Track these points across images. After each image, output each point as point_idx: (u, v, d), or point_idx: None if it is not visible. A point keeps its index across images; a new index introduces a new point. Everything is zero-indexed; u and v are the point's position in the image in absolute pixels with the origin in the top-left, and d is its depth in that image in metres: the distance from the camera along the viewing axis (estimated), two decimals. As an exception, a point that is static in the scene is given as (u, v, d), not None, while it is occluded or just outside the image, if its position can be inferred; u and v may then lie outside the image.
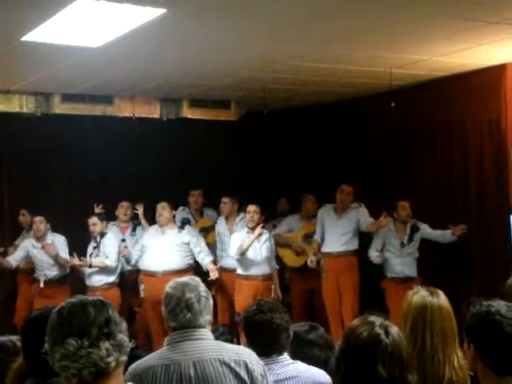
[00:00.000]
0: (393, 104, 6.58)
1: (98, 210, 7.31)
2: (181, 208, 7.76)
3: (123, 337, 1.95)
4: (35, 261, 7.09)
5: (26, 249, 7.08)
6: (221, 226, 7.41)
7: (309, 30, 4.92)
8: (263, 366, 2.73)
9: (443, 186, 7.12)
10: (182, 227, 6.99)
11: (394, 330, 2.21)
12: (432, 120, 7.12)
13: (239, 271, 6.74)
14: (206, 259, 6.88)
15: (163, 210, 6.93)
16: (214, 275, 6.70)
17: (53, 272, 7.05)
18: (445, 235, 6.75)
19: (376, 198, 7.35)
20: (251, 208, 6.70)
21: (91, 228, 6.98)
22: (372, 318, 2.24)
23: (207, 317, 2.78)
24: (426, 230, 6.88)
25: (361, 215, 6.98)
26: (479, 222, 6.73)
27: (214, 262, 7.02)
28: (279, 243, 7.27)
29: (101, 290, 6.78)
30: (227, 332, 4.16)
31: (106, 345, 1.90)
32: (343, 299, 6.85)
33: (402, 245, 6.89)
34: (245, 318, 3.09)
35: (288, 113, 8.62)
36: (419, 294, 2.98)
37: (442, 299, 2.97)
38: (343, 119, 8.02)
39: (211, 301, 2.84)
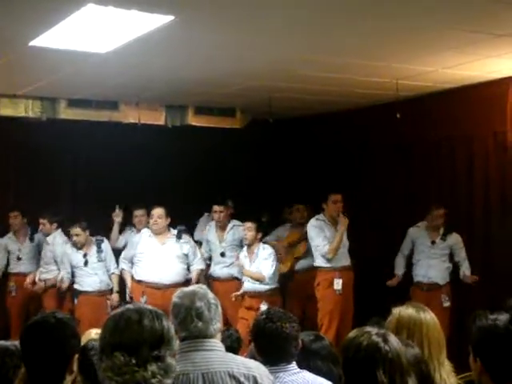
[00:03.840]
0: (398, 115, 6.58)
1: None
2: (206, 214, 7.78)
3: (172, 361, 1.95)
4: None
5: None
6: (210, 233, 7.27)
7: (315, 40, 4.93)
8: (273, 381, 2.71)
9: (448, 198, 7.10)
10: (179, 236, 6.76)
11: (392, 337, 2.26)
12: (437, 132, 7.12)
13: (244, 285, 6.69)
14: (195, 265, 6.73)
15: (159, 218, 6.68)
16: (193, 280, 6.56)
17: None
18: (464, 272, 6.61)
19: (379, 208, 7.34)
20: (246, 225, 6.65)
21: (75, 238, 6.90)
22: (368, 328, 2.30)
23: (217, 324, 2.77)
24: (458, 241, 6.66)
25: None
26: (484, 235, 6.71)
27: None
28: None
29: (110, 293, 6.94)
30: (235, 335, 4.18)
31: (152, 367, 1.89)
32: (347, 314, 6.59)
33: (433, 243, 6.65)
34: (254, 327, 3.08)
35: (294, 121, 8.62)
36: (409, 310, 3.02)
37: (431, 313, 3.05)
38: (348, 129, 8.02)
39: (220, 308, 2.82)
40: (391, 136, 7.37)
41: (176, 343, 2.00)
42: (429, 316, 3.00)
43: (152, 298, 6.48)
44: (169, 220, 6.75)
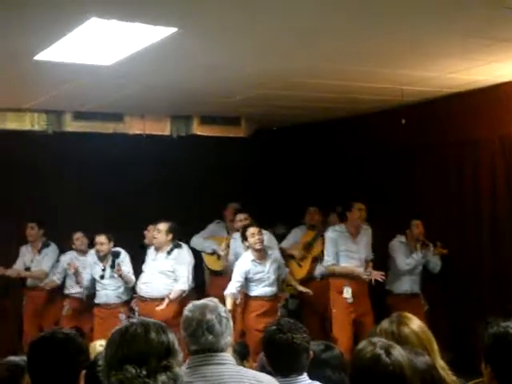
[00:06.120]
0: (404, 121, 6.57)
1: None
2: (216, 221, 7.76)
3: (180, 370, 1.94)
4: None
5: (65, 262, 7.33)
6: (236, 244, 7.12)
7: (319, 47, 4.93)
8: None
9: (454, 202, 7.09)
10: (170, 251, 6.71)
11: (396, 349, 2.24)
12: (443, 136, 7.09)
13: (246, 291, 6.58)
14: (176, 285, 6.60)
15: (158, 233, 6.70)
16: (159, 307, 6.38)
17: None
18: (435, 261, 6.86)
19: (385, 214, 7.31)
20: (254, 230, 6.46)
21: (98, 247, 6.89)
22: (375, 340, 2.27)
23: (228, 338, 2.76)
24: (431, 250, 6.89)
25: (368, 241, 6.78)
26: (492, 239, 6.68)
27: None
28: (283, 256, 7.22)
29: (122, 306, 6.91)
30: (242, 350, 4.16)
31: (162, 377, 1.88)
32: (365, 325, 6.45)
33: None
34: (265, 338, 3.06)
35: (298, 129, 8.61)
36: (385, 326, 2.94)
37: (412, 324, 2.91)
38: (354, 135, 8.01)
39: (231, 322, 2.81)
40: (397, 142, 7.36)
41: (181, 355, 1.98)
42: (407, 329, 2.87)
43: (140, 310, 6.67)
44: (170, 236, 6.70)
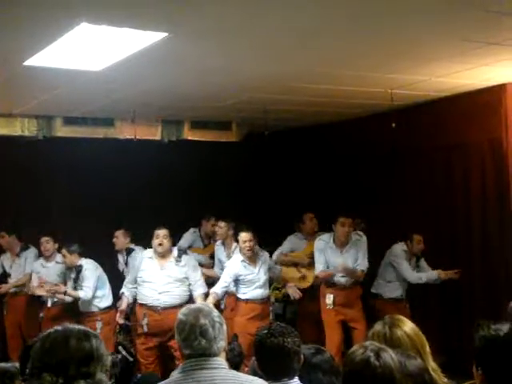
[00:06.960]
0: (394, 124, 6.60)
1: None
2: (192, 230, 7.71)
3: (103, 377, 1.92)
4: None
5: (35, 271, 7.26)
6: (219, 251, 7.18)
7: (309, 52, 4.94)
8: None
9: (444, 206, 7.11)
10: (178, 258, 6.45)
11: (387, 353, 2.26)
12: (433, 140, 7.12)
13: (237, 294, 6.56)
14: (196, 291, 6.41)
15: (165, 239, 6.36)
16: None
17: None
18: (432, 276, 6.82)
19: (374, 218, 7.32)
20: (245, 237, 6.39)
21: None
22: (366, 343, 2.30)
23: (221, 343, 2.76)
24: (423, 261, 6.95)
25: (360, 251, 6.68)
26: (482, 243, 6.71)
27: (206, 294, 6.45)
28: (284, 262, 7.21)
29: (101, 314, 6.80)
30: (237, 350, 4.18)
31: None
32: (357, 331, 6.53)
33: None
34: (256, 342, 3.06)
35: (289, 133, 8.63)
36: (378, 328, 2.96)
37: (405, 327, 2.95)
38: (344, 139, 8.03)
39: (225, 326, 2.81)
40: (387, 145, 7.39)
41: (109, 359, 1.97)
42: (400, 331, 2.90)
43: (152, 320, 6.36)
44: (171, 241, 6.50)
